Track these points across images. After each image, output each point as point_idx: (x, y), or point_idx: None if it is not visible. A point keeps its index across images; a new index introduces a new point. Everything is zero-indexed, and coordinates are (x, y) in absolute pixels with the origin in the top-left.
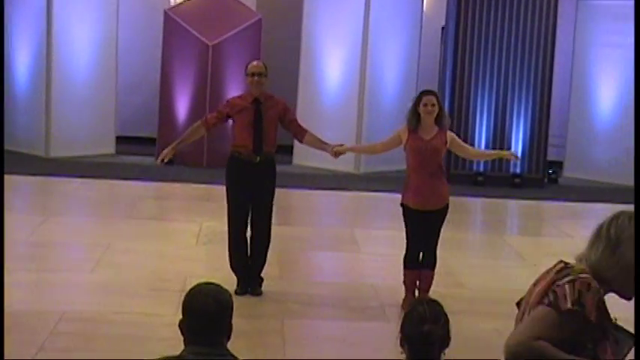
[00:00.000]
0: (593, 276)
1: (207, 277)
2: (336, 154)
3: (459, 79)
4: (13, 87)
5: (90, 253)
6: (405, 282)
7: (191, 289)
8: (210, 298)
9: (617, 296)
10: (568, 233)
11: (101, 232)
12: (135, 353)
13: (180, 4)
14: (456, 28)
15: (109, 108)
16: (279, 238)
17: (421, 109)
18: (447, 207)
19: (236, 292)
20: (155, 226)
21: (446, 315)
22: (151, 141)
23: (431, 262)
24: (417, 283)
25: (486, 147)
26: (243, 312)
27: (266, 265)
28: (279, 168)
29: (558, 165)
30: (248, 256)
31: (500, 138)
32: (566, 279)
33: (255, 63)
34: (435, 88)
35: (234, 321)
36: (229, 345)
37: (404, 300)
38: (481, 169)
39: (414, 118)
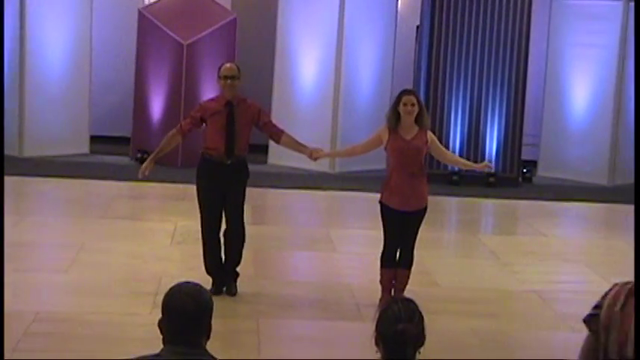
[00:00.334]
0: None
1: (182, 276)
2: (315, 158)
3: (433, 78)
4: None
5: (64, 253)
6: (381, 281)
7: (171, 289)
8: (189, 298)
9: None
10: (542, 232)
11: (75, 232)
12: (109, 353)
13: (155, 3)
14: (430, 28)
15: (83, 107)
16: (255, 237)
17: (401, 108)
18: (426, 208)
19: (211, 292)
20: (129, 226)
21: (421, 314)
22: (125, 140)
23: (407, 262)
24: (393, 282)
25: (461, 146)
26: (217, 312)
27: (241, 263)
28: (254, 168)
29: (533, 164)
30: (222, 256)
31: (474, 137)
32: None
33: (227, 65)
34: (409, 86)
35: None
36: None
37: (380, 299)
38: (456, 168)
39: (394, 117)
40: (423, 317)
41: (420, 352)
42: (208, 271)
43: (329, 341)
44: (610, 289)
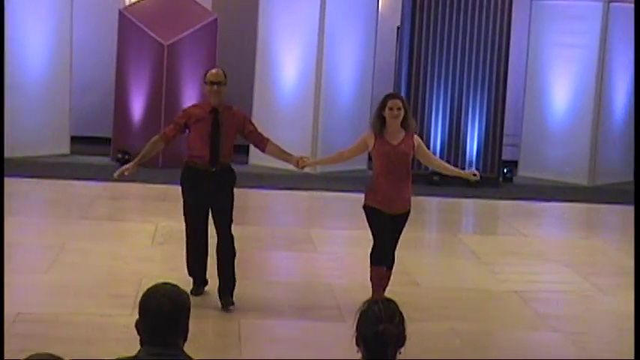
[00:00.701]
0: None
1: (163, 277)
2: (302, 167)
3: (414, 78)
4: None
5: (45, 253)
6: (371, 278)
7: (148, 290)
8: (165, 299)
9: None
10: (522, 232)
11: (56, 233)
12: (90, 354)
13: (135, 3)
14: (411, 28)
15: (64, 108)
16: (236, 238)
17: (387, 113)
18: (409, 211)
19: (191, 292)
20: (110, 227)
21: (401, 314)
22: (106, 141)
23: (389, 262)
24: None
25: (442, 146)
26: (199, 313)
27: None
28: (235, 168)
29: (513, 164)
30: (206, 262)
31: (455, 137)
32: None
33: (214, 71)
34: (390, 87)
35: (190, 321)
36: (185, 345)
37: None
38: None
39: (379, 122)
40: (403, 317)
41: (400, 353)
42: (190, 274)
43: (310, 342)
44: None
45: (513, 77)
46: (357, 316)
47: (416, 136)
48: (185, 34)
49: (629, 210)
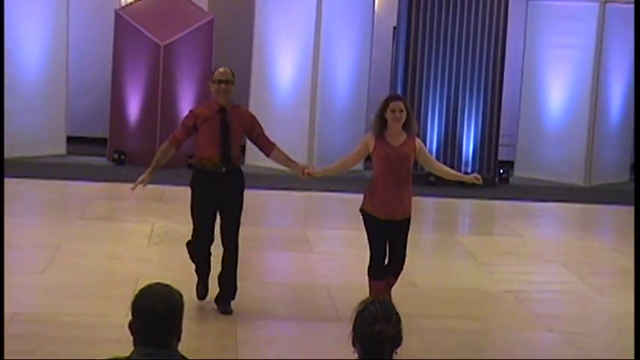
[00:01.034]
0: None
1: (159, 277)
2: (308, 176)
3: (410, 78)
4: None
5: (41, 254)
6: (370, 293)
7: (141, 290)
8: (158, 299)
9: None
10: (519, 232)
11: (52, 233)
12: (86, 354)
13: (131, 3)
14: (407, 28)
15: (60, 108)
16: None
17: (389, 115)
18: (410, 218)
19: (199, 296)
20: (106, 227)
21: (398, 314)
22: (102, 141)
23: (396, 271)
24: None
25: (438, 146)
26: (195, 313)
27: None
28: None
29: (509, 165)
30: (210, 267)
31: (451, 138)
32: None
33: (221, 70)
34: (386, 87)
35: (187, 322)
36: (180, 345)
37: None
38: None
39: (379, 123)
40: (400, 318)
41: (397, 353)
42: (199, 277)
43: (306, 342)
44: None
45: (509, 78)
46: (354, 316)
47: (417, 139)
48: (181, 34)
49: (625, 210)
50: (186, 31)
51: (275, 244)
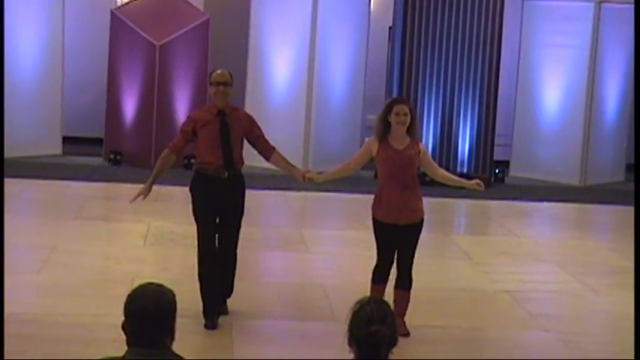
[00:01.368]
0: None
1: (155, 277)
2: (309, 181)
3: (406, 78)
4: None
5: (36, 254)
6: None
7: (133, 291)
8: (149, 299)
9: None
10: (515, 232)
11: (48, 233)
12: (82, 354)
13: (127, 3)
14: (403, 28)
15: (56, 108)
16: None
17: (392, 118)
18: (422, 222)
19: (205, 326)
20: (102, 227)
21: (393, 314)
22: (98, 141)
23: (406, 283)
24: (393, 306)
25: (433, 146)
26: (191, 312)
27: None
28: None
29: (505, 164)
30: (220, 283)
31: (447, 137)
32: None
33: (219, 71)
34: (382, 87)
35: (183, 321)
36: (176, 345)
37: None
38: None
39: (382, 127)
40: (395, 318)
41: (392, 353)
42: (204, 299)
43: (302, 342)
44: None
45: (505, 77)
46: (350, 316)
47: (421, 144)
48: (177, 34)
49: (621, 210)
50: (182, 31)
51: (271, 244)
